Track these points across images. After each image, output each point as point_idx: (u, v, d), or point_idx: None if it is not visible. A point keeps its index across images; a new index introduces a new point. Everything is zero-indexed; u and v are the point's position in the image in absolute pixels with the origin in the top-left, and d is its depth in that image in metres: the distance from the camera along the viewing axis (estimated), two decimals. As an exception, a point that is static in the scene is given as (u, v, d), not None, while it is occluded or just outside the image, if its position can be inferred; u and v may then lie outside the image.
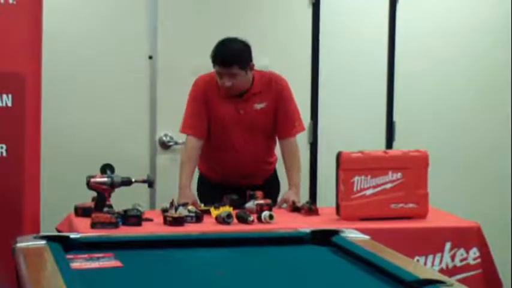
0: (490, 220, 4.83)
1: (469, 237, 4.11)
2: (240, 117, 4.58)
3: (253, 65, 4.54)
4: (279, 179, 4.82)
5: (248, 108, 4.58)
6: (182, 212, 4.04)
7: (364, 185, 4.17)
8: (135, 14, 5.30)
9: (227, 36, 4.56)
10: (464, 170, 5.80)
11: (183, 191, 4.50)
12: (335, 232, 3.43)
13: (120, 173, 4.12)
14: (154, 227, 3.97)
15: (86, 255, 3.08)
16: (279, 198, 4.64)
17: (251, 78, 4.55)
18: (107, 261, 3.04)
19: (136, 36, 5.30)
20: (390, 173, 4.19)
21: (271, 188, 4.69)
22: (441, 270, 3.94)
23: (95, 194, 4.08)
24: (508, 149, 5.78)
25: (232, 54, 4.48)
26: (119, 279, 2.90)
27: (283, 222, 4.09)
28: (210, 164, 4.73)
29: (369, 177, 4.17)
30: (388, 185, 4.19)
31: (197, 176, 4.76)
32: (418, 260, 3.98)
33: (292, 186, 4.62)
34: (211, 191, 4.65)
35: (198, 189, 4.71)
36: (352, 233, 3.44)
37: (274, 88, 4.61)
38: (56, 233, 3.69)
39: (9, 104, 4.27)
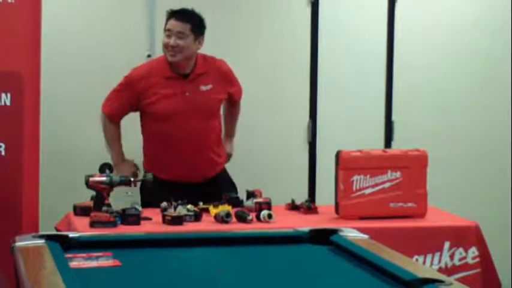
0: (490, 220, 4.83)
1: (468, 236, 4.11)
2: (186, 100, 4.56)
3: (202, 40, 4.57)
4: (233, 181, 4.78)
5: (194, 90, 4.58)
6: (181, 211, 4.04)
7: (363, 184, 4.17)
8: (133, 12, 5.30)
9: None
10: (464, 169, 5.78)
11: (118, 167, 4.55)
12: (334, 231, 3.43)
13: (119, 172, 4.13)
14: (153, 226, 3.97)
15: (84, 254, 3.08)
16: None
17: (195, 54, 4.57)
18: (106, 260, 3.04)
19: (134, 35, 5.29)
20: (389, 172, 4.19)
21: (225, 184, 4.67)
22: (440, 270, 3.94)
23: (93, 193, 4.07)
24: (508, 149, 5.78)
25: (190, 13, 4.57)
26: (117, 278, 2.90)
27: (282, 221, 4.09)
28: (157, 160, 4.65)
29: (368, 176, 4.17)
30: (387, 184, 4.19)
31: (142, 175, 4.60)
32: (417, 259, 3.99)
33: (228, 137, 4.88)
34: (160, 189, 4.47)
35: (144, 188, 4.58)
36: (351, 232, 3.44)
37: (218, 69, 4.65)
38: (55, 232, 3.69)
39: (8, 103, 4.27)
